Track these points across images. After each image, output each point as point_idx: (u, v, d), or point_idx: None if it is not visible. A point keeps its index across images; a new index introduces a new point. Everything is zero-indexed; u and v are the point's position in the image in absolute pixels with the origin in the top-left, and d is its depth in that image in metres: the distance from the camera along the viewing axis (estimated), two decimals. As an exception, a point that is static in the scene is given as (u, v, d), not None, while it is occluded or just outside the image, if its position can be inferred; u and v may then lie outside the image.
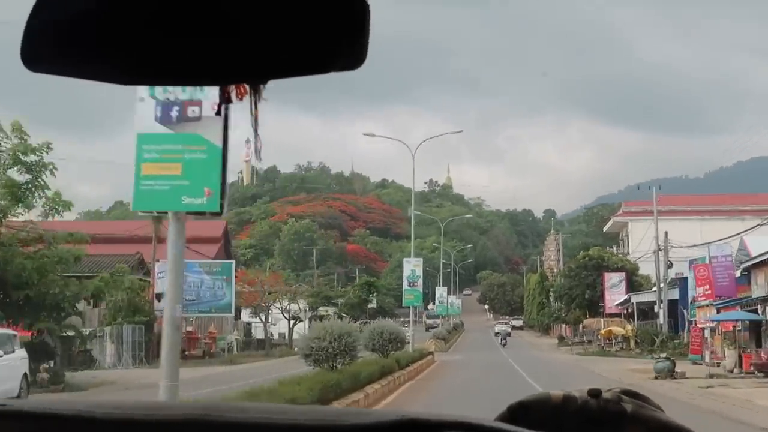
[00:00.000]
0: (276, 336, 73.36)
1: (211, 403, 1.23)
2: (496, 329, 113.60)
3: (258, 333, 73.25)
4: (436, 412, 0.98)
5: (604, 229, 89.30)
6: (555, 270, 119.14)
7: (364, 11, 1.04)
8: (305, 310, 66.67)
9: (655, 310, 59.53)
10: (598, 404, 1.21)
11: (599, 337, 61.42)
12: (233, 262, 51.59)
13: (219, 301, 50.30)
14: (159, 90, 9.07)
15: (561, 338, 79.91)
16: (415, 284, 46.13)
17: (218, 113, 1.24)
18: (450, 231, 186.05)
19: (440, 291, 72.63)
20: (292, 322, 68.72)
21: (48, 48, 1.04)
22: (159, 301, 44.04)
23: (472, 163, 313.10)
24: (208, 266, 51.10)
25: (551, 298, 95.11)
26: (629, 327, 59.62)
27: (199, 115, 9.24)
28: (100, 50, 1.04)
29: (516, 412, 1.21)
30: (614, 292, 67.80)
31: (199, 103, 9.14)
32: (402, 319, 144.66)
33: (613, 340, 60.15)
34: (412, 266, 46.29)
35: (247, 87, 1.13)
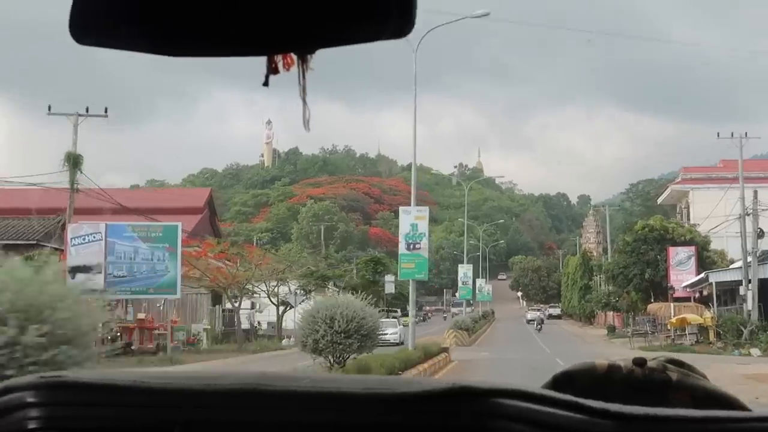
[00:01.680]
0: (265, 326, 59.49)
1: (264, 373, 1.21)
2: (529, 316, 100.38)
3: (245, 322, 59.62)
4: (486, 381, 1.00)
5: (659, 200, 74.47)
6: (595, 253, 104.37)
7: None
8: (296, 294, 52.67)
9: (741, 292, 44.97)
10: (643, 373, 1.22)
11: (668, 326, 46.83)
12: (179, 224, 37.60)
13: (159, 278, 36.36)
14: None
15: (611, 328, 65.27)
16: (418, 246, 29.99)
17: (265, 83, 1.11)
18: (480, 215, 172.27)
19: (463, 270, 58.59)
20: (281, 308, 54.75)
21: (95, 20, 1.03)
22: (74, 277, 30.43)
23: (502, 151, 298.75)
24: (145, 230, 37.13)
25: (599, 281, 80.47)
26: (708, 314, 45.05)
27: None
28: (145, 21, 1.03)
29: (561, 381, 1.22)
30: (681, 270, 53.17)
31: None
32: (427, 308, 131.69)
33: (687, 331, 45.62)
34: (414, 218, 30.28)
35: (295, 57, 1.11)
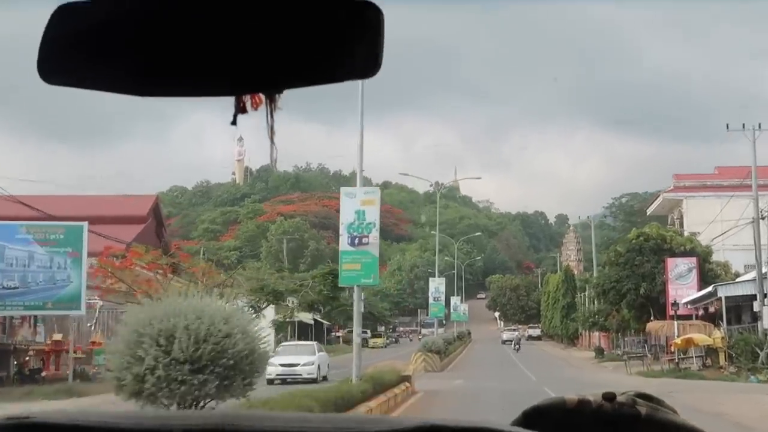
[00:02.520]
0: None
1: (228, 412, 1.20)
2: (504, 336, 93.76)
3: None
4: (455, 419, 0.99)
5: (649, 211, 67.99)
6: (576, 271, 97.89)
7: (379, 19, 1.03)
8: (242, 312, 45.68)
9: (755, 308, 38.48)
10: (612, 407, 1.21)
11: (671, 348, 40.13)
12: (85, 224, 30.52)
13: (60, 290, 29.30)
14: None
15: (599, 350, 58.56)
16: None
17: (233, 123, 1.11)
18: (456, 233, 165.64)
19: (435, 284, 51.92)
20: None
21: (63, 61, 1.04)
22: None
23: (479, 171, 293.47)
24: (43, 232, 29.98)
25: (583, 299, 73.94)
26: (717, 334, 38.41)
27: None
28: (114, 62, 1.04)
29: (531, 417, 1.21)
30: (681, 285, 46.56)
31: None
32: (401, 329, 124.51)
33: (693, 353, 38.98)
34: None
35: (263, 97, 1.11)
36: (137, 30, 1.01)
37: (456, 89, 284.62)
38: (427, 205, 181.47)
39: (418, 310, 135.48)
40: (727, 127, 40.75)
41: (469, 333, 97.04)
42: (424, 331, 76.40)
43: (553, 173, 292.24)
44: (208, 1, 1.03)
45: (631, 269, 47.51)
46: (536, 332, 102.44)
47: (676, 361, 39.23)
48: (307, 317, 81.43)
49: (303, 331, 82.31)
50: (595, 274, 66.88)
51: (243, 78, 1.02)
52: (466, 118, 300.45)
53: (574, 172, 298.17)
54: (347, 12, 1.01)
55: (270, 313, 56.24)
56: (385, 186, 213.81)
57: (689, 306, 45.31)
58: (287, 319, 47.04)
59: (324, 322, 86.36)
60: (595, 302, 67.72)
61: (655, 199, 66.43)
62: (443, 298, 51.02)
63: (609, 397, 1.20)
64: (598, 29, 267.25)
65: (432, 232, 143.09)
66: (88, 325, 43.97)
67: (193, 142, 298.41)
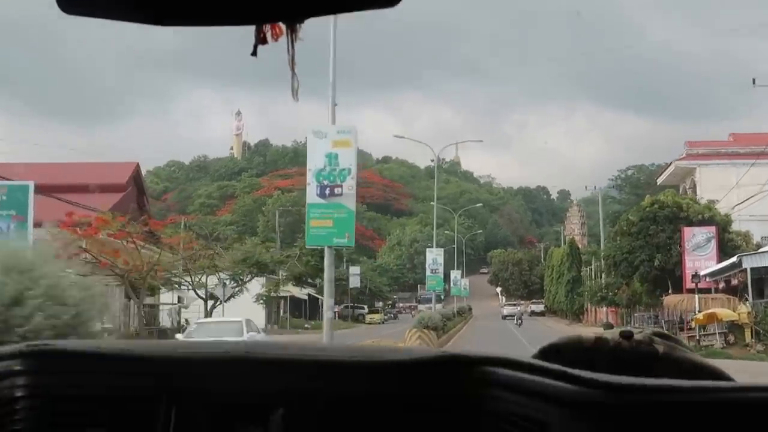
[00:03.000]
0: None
1: (254, 342, 1.24)
2: (505, 311, 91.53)
3: (170, 318, 48.87)
4: (475, 351, 1.01)
5: (659, 181, 63.98)
6: (580, 245, 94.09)
7: None
8: (224, 284, 41.90)
9: (783, 280, 34.76)
10: (630, 345, 1.22)
11: (692, 324, 36.38)
12: (30, 184, 26.65)
13: (2, 258, 25.60)
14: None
15: (608, 326, 54.84)
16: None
17: (254, 53, 1.09)
18: (457, 208, 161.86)
19: (432, 255, 47.90)
20: (209, 303, 43.95)
21: None
22: None
23: (480, 150, 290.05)
24: (-20, 191, 26.12)
25: (590, 273, 70.29)
26: (743, 309, 34.64)
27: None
28: None
29: (548, 353, 1.22)
30: (698, 256, 42.80)
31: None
32: (401, 305, 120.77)
33: (716, 330, 35.22)
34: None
35: (283, 27, 1.09)
36: None
37: (456, 67, 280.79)
38: (428, 180, 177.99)
39: (418, 286, 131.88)
40: (754, 82, 36.80)
41: (470, 309, 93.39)
42: (420, 306, 71.15)
43: (553, 150, 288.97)
44: None
45: (645, 239, 43.71)
46: (539, 308, 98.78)
47: (697, 338, 35.47)
48: (299, 292, 77.83)
49: (296, 307, 78.69)
50: (602, 246, 63.21)
51: (263, 6, 1.00)
52: (467, 96, 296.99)
53: (574, 148, 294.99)
54: None
55: (256, 287, 52.70)
56: (384, 161, 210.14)
57: (708, 279, 41.56)
58: (272, 294, 43.30)
59: (319, 297, 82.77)
60: (603, 276, 64.05)
61: (666, 168, 62.38)
62: (441, 270, 47.19)
63: (626, 335, 1.19)
64: (597, 6, 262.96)
65: (431, 203, 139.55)
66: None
67: (193, 119, 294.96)
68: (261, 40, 1.04)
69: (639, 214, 44.72)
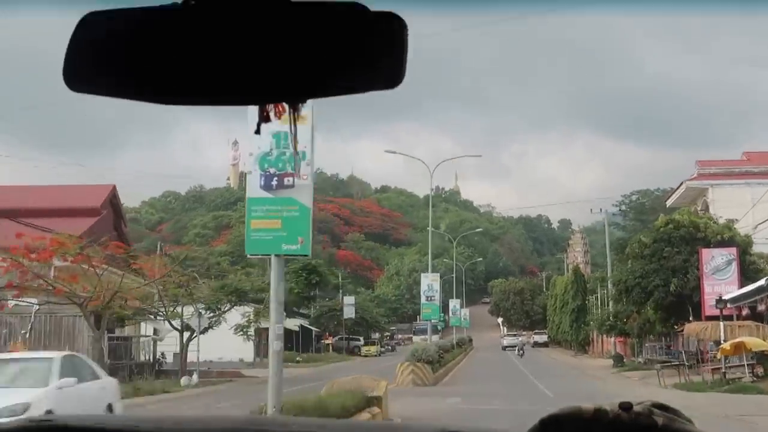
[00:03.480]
0: (171, 357, 44.77)
1: (253, 417, 1.22)
2: (505, 342, 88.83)
3: (143, 352, 44.92)
4: (475, 426, 1.00)
5: (669, 203, 60.24)
6: (584, 274, 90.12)
7: (402, 30, 1.03)
8: (199, 314, 38.09)
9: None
10: (629, 417, 1.20)
11: (716, 355, 32.47)
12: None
13: None
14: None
15: (618, 358, 50.93)
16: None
17: (257, 132, 1.20)
18: (457, 236, 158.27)
19: (427, 281, 43.46)
20: (185, 334, 40.15)
21: (89, 69, 1.04)
22: None
23: (480, 179, 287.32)
24: None
25: (595, 301, 66.43)
26: (775, 337, 30.83)
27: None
28: (138, 71, 1.03)
29: (548, 425, 1.22)
30: (718, 280, 39.04)
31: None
32: (399, 336, 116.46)
33: (744, 361, 31.36)
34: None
35: (286, 106, 1.11)
36: (163, 39, 1.00)
37: (455, 97, 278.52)
38: (427, 209, 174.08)
39: (417, 317, 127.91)
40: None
41: (471, 340, 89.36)
42: (416, 338, 65.73)
43: (553, 179, 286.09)
44: (234, 11, 1.01)
45: (659, 262, 39.92)
46: (542, 338, 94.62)
47: (723, 370, 31.60)
48: (291, 323, 73.77)
49: (288, 339, 74.61)
50: (609, 272, 59.42)
51: (267, 87, 1.01)
52: (466, 126, 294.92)
53: (574, 178, 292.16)
54: (371, 23, 1.00)
55: (236, 317, 48.86)
56: (383, 190, 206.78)
57: (729, 304, 37.74)
58: (251, 323, 39.39)
59: (312, 328, 78.76)
60: (609, 304, 60.20)
61: (676, 189, 58.69)
62: (438, 298, 43.22)
63: (625, 407, 1.18)
64: (596, 37, 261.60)
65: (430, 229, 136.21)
66: (23, 332, 36.84)
67: (190, 150, 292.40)
68: (264, 118, 1.06)
69: (652, 235, 40.99)
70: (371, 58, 0.98)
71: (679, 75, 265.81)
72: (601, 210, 70.02)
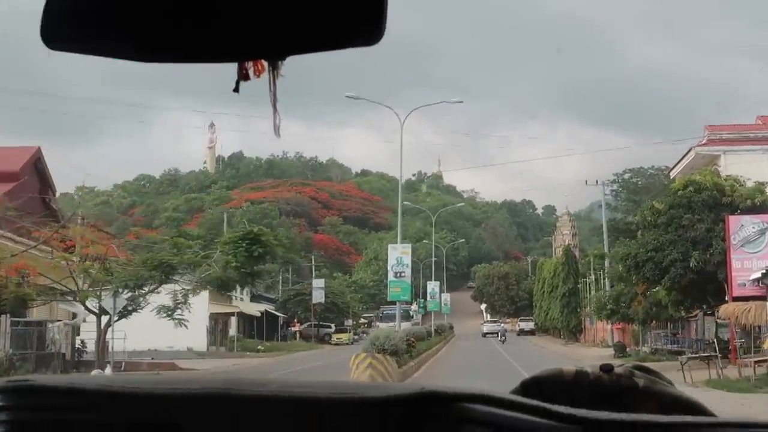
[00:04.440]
0: (92, 345, 37.14)
1: (233, 377, 1.22)
2: (485, 329, 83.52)
3: (58, 340, 37.25)
4: (454, 386, 1.02)
5: (673, 173, 53.01)
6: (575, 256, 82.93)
7: None
8: (115, 293, 30.54)
9: None
10: (610, 379, 1.21)
11: (764, 344, 25.24)
12: None
13: None
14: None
15: (620, 348, 43.77)
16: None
17: (236, 90, 1.10)
18: (439, 221, 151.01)
19: (396, 252, 33.93)
20: (104, 318, 32.55)
21: (67, 25, 1.02)
22: None
23: (462, 167, 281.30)
24: None
25: (592, 283, 59.21)
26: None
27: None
28: (117, 27, 1.02)
29: (529, 387, 1.22)
30: (748, 253, 31.87)
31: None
32: (377, 324, 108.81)
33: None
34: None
35: (265, 64, 1.09)
36: None
37: (437, 85, 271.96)
38: (408, 193, 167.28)
39: (396, 303, 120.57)
40: None
41: (452, 327, 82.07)
42: (382, 325, 54.22)
43: (538, 169, 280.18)
44: None
45: (677, 232, 32.64)
46: (529, 325, 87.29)
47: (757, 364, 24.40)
48: (253, 308, 66.33)
49: (249, 326, 67.20)
50: (607, 248, 52.37)
51: (246, 44, 1.01)
52: (448, 114, 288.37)
53: (559, 167, 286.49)
54: None
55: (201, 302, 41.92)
56: (364, 174, 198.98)
57: (756, 285, 30.68)
58: (179, 306, 31.67)
59: (278, 314, 71.26)
60: (606, 286, 53.02)
61: (683, 157, 51.35)
62: (409, 273, 35.20)
63: (607, 368, 1.19)
64: (579, 24, 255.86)
65: (416, 222, 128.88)
66: None
67: (169, 134, 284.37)
68: (243, 76, 1.05)
69: (668, 200, 33.67)
70: (351, 12, 0.96)
71: (661, 63, 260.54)
72: (597, 182, 62.51)
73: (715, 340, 30.85)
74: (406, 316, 60.09)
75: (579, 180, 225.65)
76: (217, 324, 58.86)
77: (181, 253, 32.17)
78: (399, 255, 34.88)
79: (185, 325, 33.10)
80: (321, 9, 0.98)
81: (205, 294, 56.88)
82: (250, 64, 1.05)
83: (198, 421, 1.02)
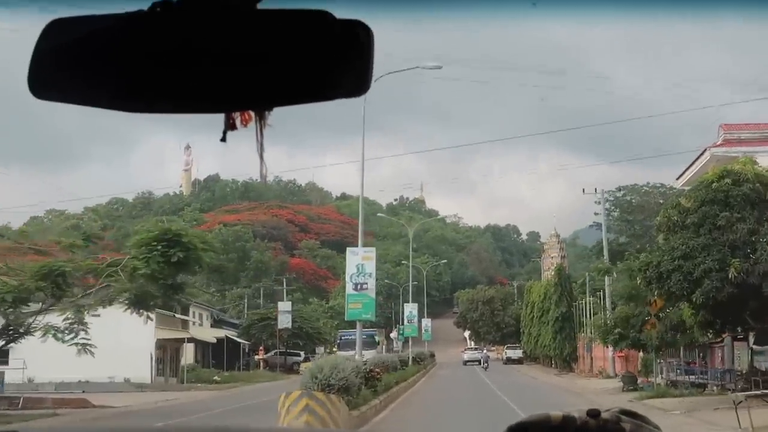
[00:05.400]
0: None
1: (223, 426, 1.22)
2: (466, 357, 77.67)
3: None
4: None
5: (680, 182, 46.22)
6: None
7: (369, 38, 1.02)
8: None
9: None
10: (597, 424, 1.19)
11: None
12: None
13: None
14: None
15: (630, 379, 36.64)
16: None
17: (223, 139, 1.09)
18: (421, 246, 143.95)
19: (355, 258, 25.27)
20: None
21: (54, 77, 1.02)
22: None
23: (444, 194, 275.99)
24: None
25: (585, 306, 52.27)
26: None
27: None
28: (105, 79, 1.02)
29: None
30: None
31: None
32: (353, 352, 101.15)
33: None
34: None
35: (252, 114, 1.09)
36: (129, 46, 0.98)
37: (419, 113, 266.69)
38: (389, 216, 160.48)
39: (375, 330, 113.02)
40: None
41: (433, 355, 74.67)
42: (341, 353, 38.97)
43: (517, 198, 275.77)
44: (201, 18, 0.99)
45: (711, 235, 25.71)
46: (516, 353, 79.81)
47: None
48: (209, 333, 58.84)
49: (204, 353, 59.63)
50: (606, 258, 45.60)
51: (233, 95, 1.00)
52: (431, 141, 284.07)
53: (538, 197, 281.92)
54: (337, 31, 0.99)
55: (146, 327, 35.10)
56: (344, 198, 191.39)
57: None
58: (75, 327, 24.20)
59: (240, 341, 63.69)
60: (605, 307, 46.03)
61: (696, 159, 44.51)
62: (372, 284, 27.11)
63: (593, 414, 1.16)
64: (561, 55, 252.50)
65: (396, 247, 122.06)
66: None
67: (148, 161, 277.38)
68: (230, 126, 1.04)
69: (699, 195, 26.71)
70: (337, 65, 0.96)
71: (644, 91, 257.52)
72: (596, 190, 55.60)
73: (746, 371, 23.78)
74: (372, 343, 52.56)
75: (561, 207, 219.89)
76: (166, 352, 51.35)
77: (75, 259, 24.65)
78: (360, 262, 27.60)
79: (90, 352, 25.65)
80: (309, 62, 0.96)
81: (151, 316, 49.35)
82: (237, 114, 1.02)
83: None
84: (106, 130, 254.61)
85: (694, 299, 25.96)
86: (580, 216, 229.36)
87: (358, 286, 27.43)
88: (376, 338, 55.22)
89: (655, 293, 28.36)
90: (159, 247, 23.63)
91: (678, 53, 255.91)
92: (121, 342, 46.92)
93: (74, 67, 0.95)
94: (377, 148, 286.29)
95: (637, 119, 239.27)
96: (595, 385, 41.62)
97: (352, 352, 28.95)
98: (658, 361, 35.58)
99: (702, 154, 44.00)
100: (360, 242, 30.19)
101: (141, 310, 26.73)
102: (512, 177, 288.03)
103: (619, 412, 1.18)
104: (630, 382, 36.06)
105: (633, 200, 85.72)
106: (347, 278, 28.22)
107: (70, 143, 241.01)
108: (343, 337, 58.98)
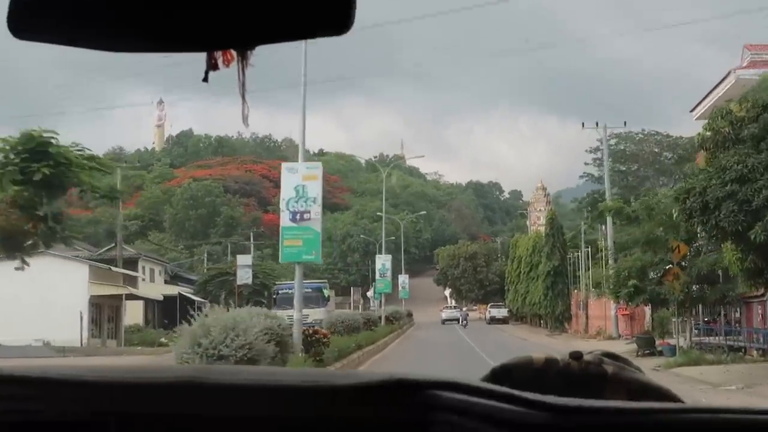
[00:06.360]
0: None
1: (202, 366, 1.21)
2: (444, 315, 75.22)
3: None
4: (423, 374, 1.00)
5: (696, 113, 39.46)
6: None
7: None
8: None
9: None
10: (579, 366, 1.21)
11: None
12: None
13: None
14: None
15: (646, 342, 29.93)
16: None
17: (205, 79, 1.08)
18: (400, 202, 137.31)
19: (293, 179, 18.73)
20: None
21: (34, 15, 1.00)
22: None
23: (426, 159, 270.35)
24: None
25: (580, 258, 45.64)
26: None
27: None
28: (84, 16, 1.00)
29: (499, 374, 1.22)
30: None
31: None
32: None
33: None
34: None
35: (234, 53, 1.08)
36: None
37: (400, 74, 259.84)
38: (368, 173, 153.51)
39: (351, 288, 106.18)
40: None
41: (410, 314, 68.17)
42: (280, 313, 20.48)
43: (499, 160, 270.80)
44: None
45: (774, 152, 18.92)
46: (501, 313, 73.30)
47: None
48: (155, 289, 51.89)
49: (161, 313, 52.84)
50: (607, 195, 38.96)
51: (215, 34, 0.99)
52: (411, 103, 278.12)
53: (520, 159, 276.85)
54: None
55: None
56: (321, 154, 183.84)
57: None
58: None
59: (195, 298, 56.82)
60: (605, 257, 39.37)
61: (720, 82, 37.64)
62: (317, 213, 19.57)
63: (576, 356, 1.19)
64: (542, 16, 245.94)
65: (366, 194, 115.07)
66: None
67: (126, 123, 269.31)
68: (212, 66, 1.03)
69: (759, 98, 19.87)
70: (319, 2, 0.95)
71: (625, 53, 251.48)
72: (597, 124, 48.65)
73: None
74: (318, 298, 43.40)
75: (543, 168, 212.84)
76: (102, 310, 44.34)
77: None
78: (300, 183, 20.45)
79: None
80: None
81: (83, 269, 42.16)
82: (219, 54, 1.02)
83: (167, 409, 0.98)
84: (82, 86, 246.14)
85: (752, 236, 19.13)
86: (563, 177, 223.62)
87: (297, 216, 20.20)
88: (325, 292, 44.11)
89: (698, 229, 21.46)
90: (17, 161, 16.55)
91: (657, 13, 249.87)
92: (47, 299, 40.06)
93: (54, 5, 0.93)
94: (357, 107, 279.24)
95: (618, 80, 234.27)
96: (597, 347, 35.01)
97: (292, 311, 21.59)
98: (683, 319, 28.88)
99: (726, 77, 37.11)
100: (301, 156, 22.93)
101: (16, 254, 19.63)
102: (494, 139, 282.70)
103: (601, 355, 1.19)
104: (646, 345, 29.39)
105: (627, 149, 79.14)
106: (282, 205, 21.04)
107: (44, 100, 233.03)
108: (280, 291, 44.79)
